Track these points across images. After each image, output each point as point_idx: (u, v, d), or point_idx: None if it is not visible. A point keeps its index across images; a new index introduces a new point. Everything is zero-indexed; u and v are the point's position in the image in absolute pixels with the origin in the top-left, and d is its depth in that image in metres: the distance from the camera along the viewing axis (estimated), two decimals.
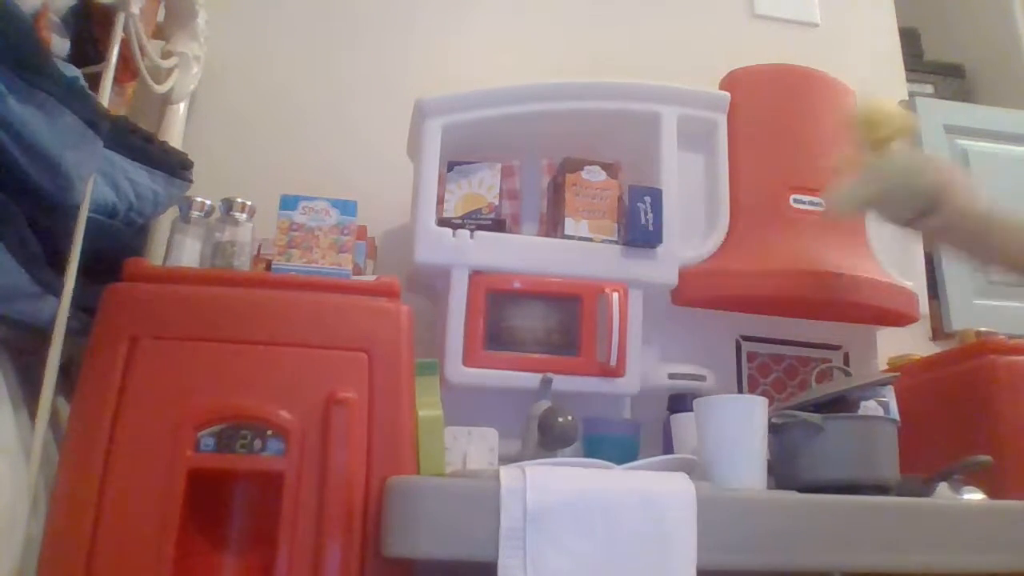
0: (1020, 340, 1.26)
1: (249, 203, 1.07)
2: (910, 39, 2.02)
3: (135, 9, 1.01)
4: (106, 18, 1.00)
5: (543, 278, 1.21)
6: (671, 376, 1.24)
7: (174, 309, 0.89)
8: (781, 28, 1.79)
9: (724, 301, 1.30)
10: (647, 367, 1.24)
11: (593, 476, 0.79)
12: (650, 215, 1.23)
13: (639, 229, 1.23)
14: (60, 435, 0.88)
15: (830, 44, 1.79)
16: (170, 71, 1.30)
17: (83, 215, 0.87)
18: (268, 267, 1.05)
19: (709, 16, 1.77)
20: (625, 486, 0.77)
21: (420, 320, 1.01)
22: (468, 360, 1.15)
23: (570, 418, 1.00)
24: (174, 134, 1.32)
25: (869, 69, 1.78)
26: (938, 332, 1.59)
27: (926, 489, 0.98)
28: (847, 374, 1.04)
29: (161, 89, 1.26)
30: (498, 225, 1.25)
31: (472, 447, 1.03)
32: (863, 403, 1.08)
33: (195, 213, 1.07)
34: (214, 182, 1.21)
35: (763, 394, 1.12)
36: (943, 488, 0.99)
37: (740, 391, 1.33)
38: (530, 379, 1.13)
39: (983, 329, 1.38)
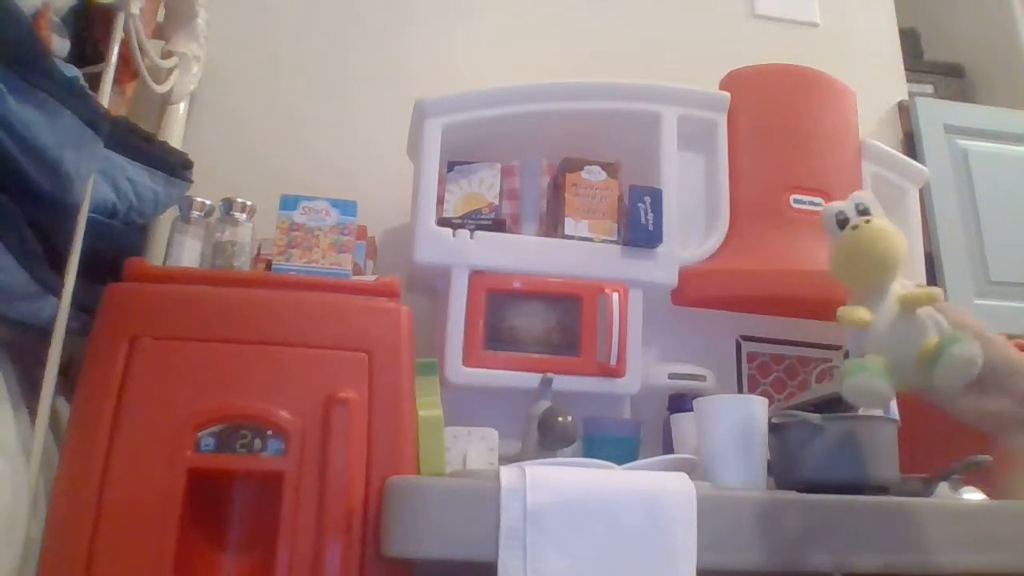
0: (1020, 340, 1.26)
1: (249, 203, 1.07)
2: (910, 39, 2.02)
3: (135, 9, 1.01)
4: (106, 18, 1.00)
5: (543, 278, 1.21)
6: (671, 376, 1.24)
7: (174, 309, 0.89)
8: (781, 28, 1.79)
9: (724, 301, 1.30)
10: (647, 367, 1.24)
11: (593, 476, 0.79)
12: (650, 215, 1.23)
13: (639, 229, 1.23)
14: (60, 435, 0.88)
15: (830, 44, 1.79)
16: (170, 71, 1.30)
17: (83, 215, 0.87)
18: (268, 267, 1.05)
19: (709, 16, 1.77)
20: (625, 486, 0.77)
21: (420, 320, 1.01)
22: (468, 360, 1.15)
23: (570, 418, 1.00)
24: (174, 134, 1.32)
25: (869, 69, 1.78)
26: None
27: (926, 489, 0.98)
28: None
29: (161, 89, 1.26)
30: (498, 225, 1.25)
31: (472, 447, 1.03)
32: None
33: (195, 213, 1.07)
34: (214, 182, 1.21)
35: (763, 394, 1.12)
36: (943, 488, 0.99)
37: (740, 391, 1.33)
38: (530, 379, 1.13)
39: None
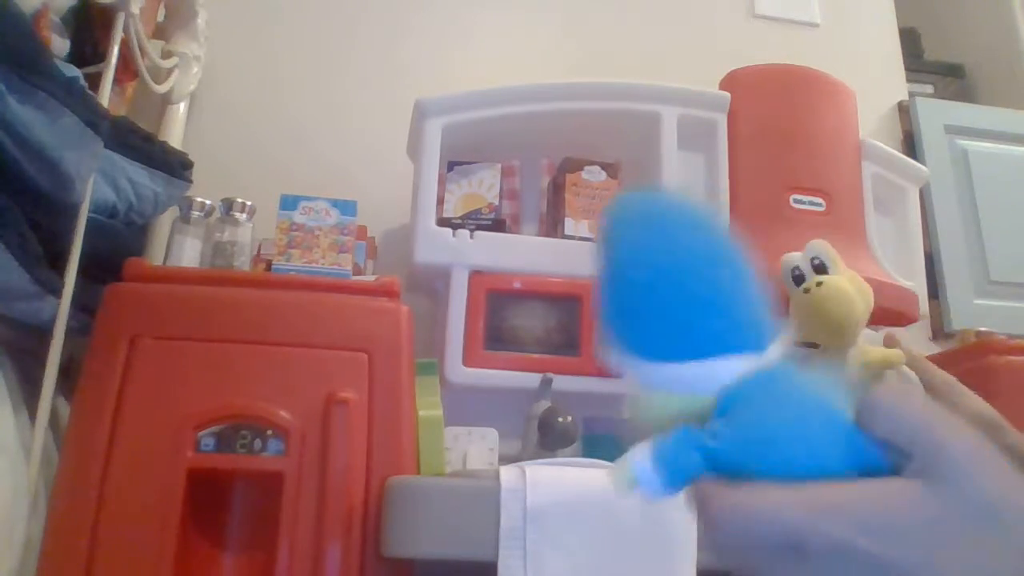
0: (1020, 340, 1.26)
1: (249, 203, 1.07)
2: (910, 39, 2.02)
3: (135, 9, 1.01)
4: (106, 18, 1.00)
5: (543, 278, 1.21)
6: None
7: (174, 309, 0.89)
8: (781, 28, 1.79)
9: None
10: None
11: (593, 476, 0.79)
12: None
13: None
14: (60, 435, 0.88)
15: (830, 44, 1.79)
16: (170, 71, 1.30)
17: (83, 215, 0.87)
18: (268, 267, 1.05)
19: (709, 16, 1.77)
20: None
21: (420, 320, 1.01)
22: (468, 360, 1.15)
23: (570, 418, 1.00)
24: (174, 134, 1.32)
25: (869, 69, 1.78)
26: (938, 332, 1.59)
27: None
28: None
29: (161, 89, 1.26)
30: (498, 225, 1.25)
31: (472, 447, 1.03)
32: None
33: (195, 213, 1.07)
34: (214, 182, 1.21)
35: None
36: None
37: None
38: (530, 379, 1.13)
39: (983, 329, 1.38)
